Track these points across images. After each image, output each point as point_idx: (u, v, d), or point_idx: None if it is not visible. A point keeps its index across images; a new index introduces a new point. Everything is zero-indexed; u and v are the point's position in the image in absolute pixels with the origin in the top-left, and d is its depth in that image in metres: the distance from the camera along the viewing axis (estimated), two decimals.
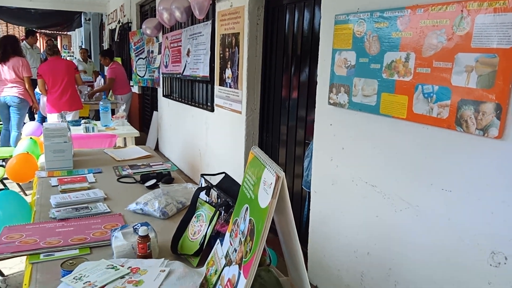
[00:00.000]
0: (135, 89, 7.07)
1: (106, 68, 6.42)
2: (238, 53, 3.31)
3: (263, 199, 0.93)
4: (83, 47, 11.72)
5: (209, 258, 1.20)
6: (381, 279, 2.03)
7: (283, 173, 0.89)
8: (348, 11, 2.08)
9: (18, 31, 16.38)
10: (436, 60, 1.63)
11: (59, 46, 12.24)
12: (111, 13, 9.04)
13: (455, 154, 1.62)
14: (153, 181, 2.04)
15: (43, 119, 5.87)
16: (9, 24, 14.86)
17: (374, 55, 1.92)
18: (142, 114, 7.18)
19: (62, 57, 6.20)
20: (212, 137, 4.03)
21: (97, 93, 6.27)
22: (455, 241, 1.64)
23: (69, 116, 4.56)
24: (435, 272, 1.74)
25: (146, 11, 6.40)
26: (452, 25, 1.56)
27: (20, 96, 4.93)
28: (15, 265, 2.74)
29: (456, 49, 1.55)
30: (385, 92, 1.87)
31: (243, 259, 0.96)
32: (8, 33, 13.83)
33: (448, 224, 1.67)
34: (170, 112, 5.36)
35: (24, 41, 7.17)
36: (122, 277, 1.10)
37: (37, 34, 8.67)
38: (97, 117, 5.84)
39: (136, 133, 3.90)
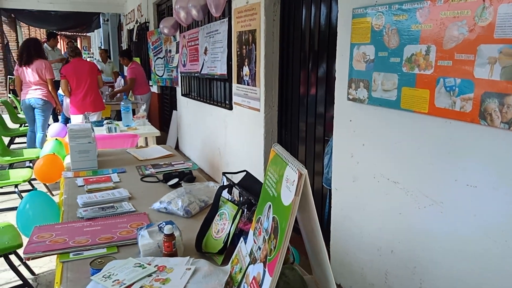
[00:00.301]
0: (154, 89, 7.17)
1: (125, 69, 6.56)
2: (255, 50, 3.32)
3: (286, 197, 0.94)
4: (103, 47, 11.93)
5: (233, 256, 1.22)
6: (406, 277, 2.01)
7: (306, 170, 0.89)
8: (366, 4, 2.05)
9: (40, 33, 16.79)
10: (458, 52, 1.59)
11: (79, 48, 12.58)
12: (128, 13, 9.18)
13: (479, 148, 1.59)
14: (175, 180, 2.07)
15: (66, 121, 6.02)
16: (30, 27, 15.23)
17: (393, 49, 1.89)
18: (162, 114, 7.28)
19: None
20: (231, 136, 4.05)
21: (118, 94, 6.39)
22: (482, 238, 1.61)
23: (93, 117, 4.66)
24: (461, 269, 1.71)
25: (163, 10, 6.46)
26: (473, 16, 1.52)
27: (44, 98, 5.06)
28: (44, 264, 2.83)
29: (478, 40, 1.51)
30: (406, 86, 1.84)
31: (268, 257, 0.97)
32: (31, 36, 14.19)
33: (474, 221, 1.64)
34: (189, 111, 5.42)
35: (45, 43, 7.36)
36: (150, 275, 1.13)
37: (58, 36, 8.88)
38: (118, 117, 5.96)
39: (157, 132, 3.96)
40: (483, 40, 1.48)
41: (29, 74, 4.95)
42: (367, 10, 2.03)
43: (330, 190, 2.58)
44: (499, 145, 1.51)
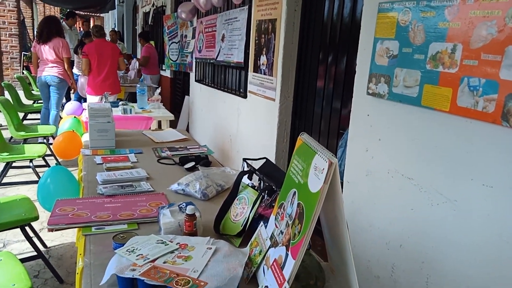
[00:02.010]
0: (167, 73, 7.19)
1: (138, 51, 6.84)
2: (274, 40, 3.31)
3: (314, 184, 0.96)
4: (116, 29, 11.94)
5: (252, 239, 1.25)
6: (413, 272, 2.03)
7: (336, 159, 0.91)
8: None
9: (54, 11, 16.82)
10: (485, 53, 1.59)
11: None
12: None
13: (499, 149, 1.60)
14: (192, 164, 2.10)
15: (79, 99, 6.07)
16: (46, 5, 15.25)
17: (418, 45, 1.89)
18: (173, 98, 7.30)
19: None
20: (244, 124, 4.07)
21: (132, 76, 6.60)
22: (494, 238, 1.63)
23: (110, 98, 4.70)
24: (470, 267, 1.73)
25: None
26: (504, 17, 1.51)
27: (60, 76, 5.11)
28: (56, 238, 2.89)
29: (507, 41, 1.51)
30: (428, 83, 1.84)
31: (291, 241, 1.00)
32: (45, 14, 14.23)
33: (487, 221, 1.65)
34: (202, 97, 5.43)
35: (64, 22, 7.40)
36: (172, 252, 1.16)
37: (77, 16, 8.94)
38: (130, 99, 6.01)
39: (171, 116, 3.99)
40: None
41: (46, 51, 4.99)
42: (394, 5, 2.02)
43: (341, 182, 2.59)
44: None
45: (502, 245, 1.60)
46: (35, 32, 6.04)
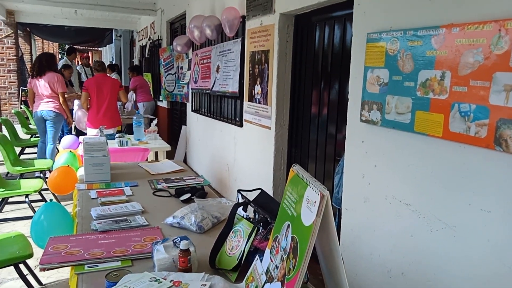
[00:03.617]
0: (164, 104, 7.25)
1: None
2: (268, 70, 3.37)
3: (306, 217, 0.95)
4: (114, 62, 12.14)
5: (248, 274, 1.23)
6: None
7: (327, 192, 0.91)
8: (381, 30, 2.10)
9: (53, 47, 17.11)
10: (473, 79, 1.62)
11: (90, 62, 12.84)
12: (141, 30, 9.35)
13: (494, 173, 1.60)
14: (187, 195, 2.08)
15: (70, 131, 6.13)
16: (44, 41, 15.53)
17: (408, 73, 1.92)
18: (171, 128, 7.34)
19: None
20: (241, 152, 4.07)
21: (129, 107, 6.78)
22: (495, 263, 1.60)
23: (109, 131, 4.70)
24: None
25: (176, 28, 6.59)
26: (489, 44, 1.55)
27: (56, 111, 5.14)
28: (51, 275, 2.83)
29: (494, 68, 1.54)
30: (420, 110, 1.86)
31: (286, 276, 0.98)
32: (44, 49, 14.50)
33: (487, 246, 1.63)
34: (198, 127, 5.46)
35: (66, 57, 7.59)
36: None
37: (77, 52, 9.15)
38: (128, 131, 6.04)
39: (167, 147, 3.99)
40: (499, 68, 1.51)
41: (42, 86, 5.05)
42: (381, 35, 2.07)
43: (339, 209, 2.58)
44: None
45: (505, 272, 1.57)
46: None
